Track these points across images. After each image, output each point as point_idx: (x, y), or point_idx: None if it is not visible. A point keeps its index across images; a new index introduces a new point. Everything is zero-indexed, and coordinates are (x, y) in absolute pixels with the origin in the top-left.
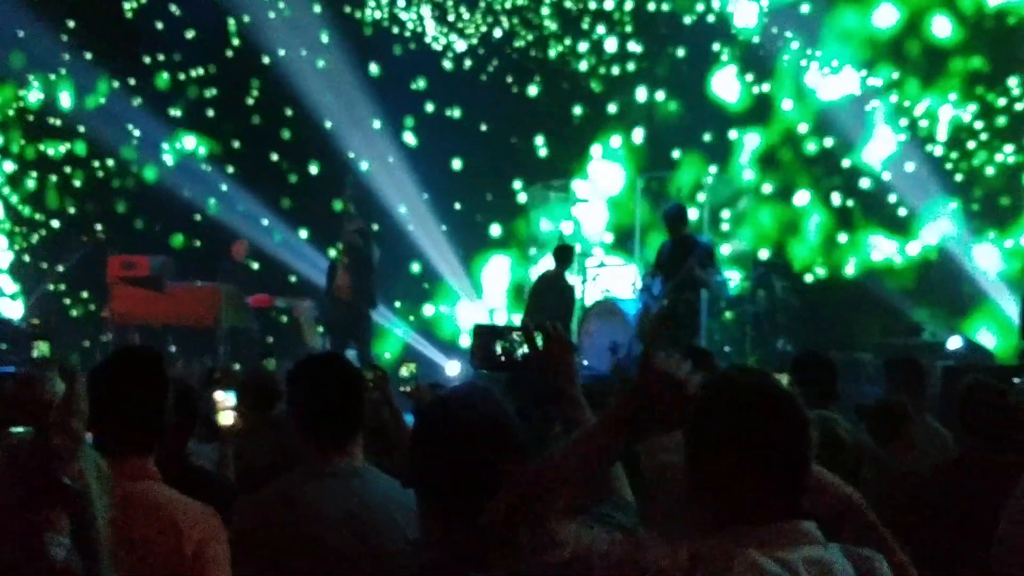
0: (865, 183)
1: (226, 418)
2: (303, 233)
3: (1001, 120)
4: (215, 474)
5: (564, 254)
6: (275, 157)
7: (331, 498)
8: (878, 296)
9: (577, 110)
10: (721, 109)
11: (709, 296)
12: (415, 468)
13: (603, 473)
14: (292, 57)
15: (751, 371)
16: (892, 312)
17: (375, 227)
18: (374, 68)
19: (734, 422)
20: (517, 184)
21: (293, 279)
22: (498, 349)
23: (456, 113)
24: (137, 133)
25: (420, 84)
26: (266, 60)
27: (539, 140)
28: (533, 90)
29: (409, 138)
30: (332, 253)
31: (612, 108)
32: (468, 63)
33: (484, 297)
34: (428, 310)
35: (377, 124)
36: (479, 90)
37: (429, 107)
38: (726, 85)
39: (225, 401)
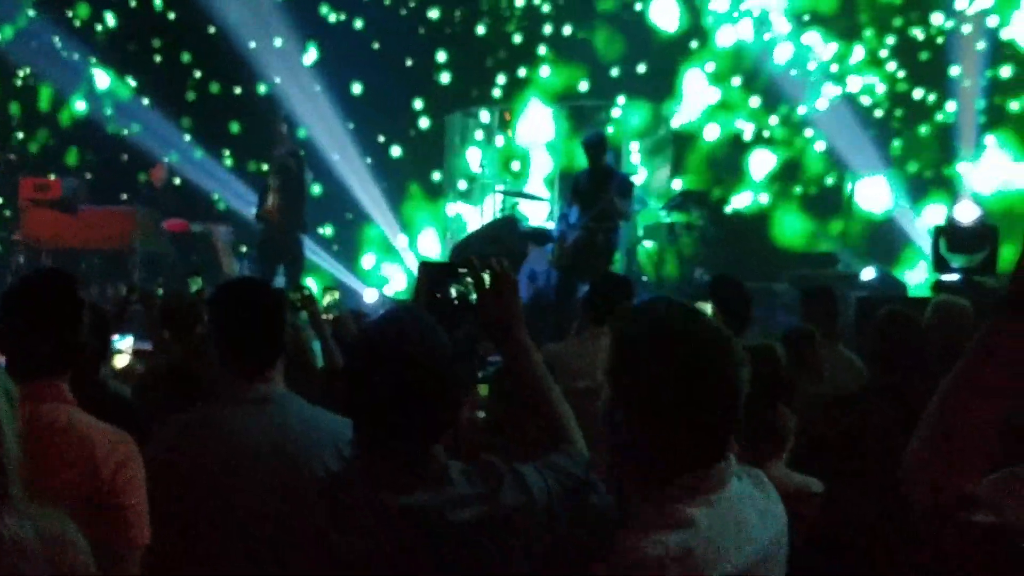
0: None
1: (121, 361)
2: (218, 156)
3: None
4: (131, 400)
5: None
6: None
7: (251, 423)
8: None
9: (480, 29)
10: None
11: (626, 226)
12: (353, 397)
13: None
14: None
15: (678, 307)
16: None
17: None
18: None
19: (668, 370)
20: (418, 105)
21: (220, 204)
22: (452, 292)
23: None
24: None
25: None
26: None
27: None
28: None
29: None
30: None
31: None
32: None
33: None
34: (368, 260)
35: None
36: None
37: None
38: (665, 12)
39: (121, 344)
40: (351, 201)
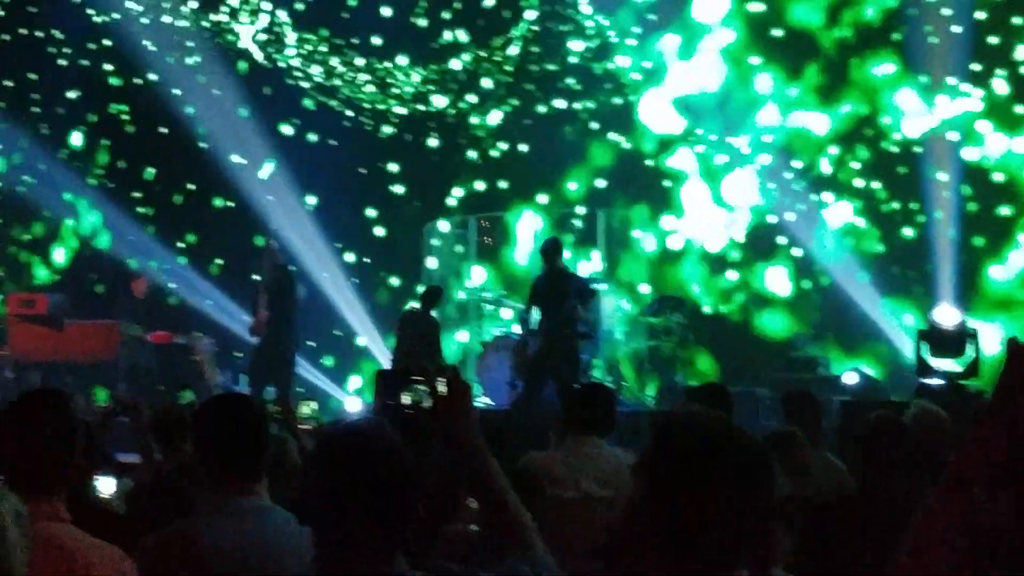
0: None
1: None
2: (196, 266)
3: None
4: (117, 512)
5: (432, 297)
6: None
7: (235, 536)
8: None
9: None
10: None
11: (604, 330)
12: (310, 500)
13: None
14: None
15: (703, 414)
16: (787, 346)
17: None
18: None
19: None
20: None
21: (199, 315)
22: (406, 399)
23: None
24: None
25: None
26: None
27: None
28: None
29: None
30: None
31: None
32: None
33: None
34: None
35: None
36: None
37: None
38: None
39: (105, 489)
40: (334, 313)
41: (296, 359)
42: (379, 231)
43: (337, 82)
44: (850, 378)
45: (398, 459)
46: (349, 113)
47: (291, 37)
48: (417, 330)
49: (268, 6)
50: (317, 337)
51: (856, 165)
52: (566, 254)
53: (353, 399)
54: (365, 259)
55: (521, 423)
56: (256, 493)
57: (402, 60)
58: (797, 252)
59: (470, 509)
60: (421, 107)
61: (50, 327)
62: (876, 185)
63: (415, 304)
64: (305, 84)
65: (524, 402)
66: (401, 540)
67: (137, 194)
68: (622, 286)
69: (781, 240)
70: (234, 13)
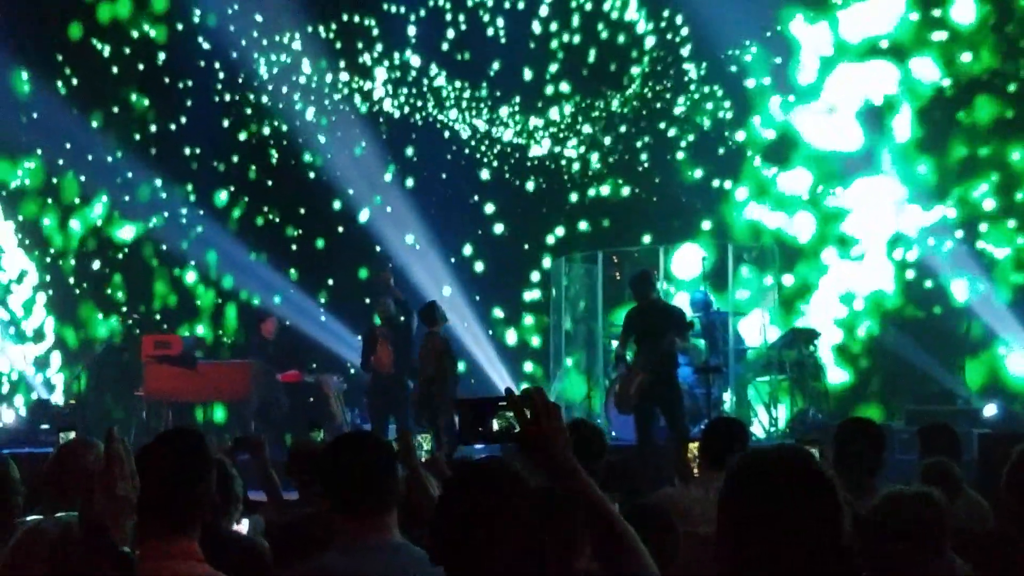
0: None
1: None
2: (323, 305)
3: None
4: (255, 550)
5: (427, 316)
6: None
7: (366, 572)
8: (905, 359)
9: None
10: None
11: (736, 364)
12: (440, 542)
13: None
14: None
15: (789, 449)
16: (923, 379)
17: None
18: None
19: (766, 504)
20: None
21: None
22: (496, 426)
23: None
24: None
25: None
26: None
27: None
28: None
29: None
30: (375, 323)
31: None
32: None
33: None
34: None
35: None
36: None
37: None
38: None
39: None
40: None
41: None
42: (478, 266)
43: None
44: (990, 411)
45: (526, 495)
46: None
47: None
48: (429, 352)
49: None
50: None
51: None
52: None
53: None
54: (475, 296)
55: (645, 459)
56: (387, 530)
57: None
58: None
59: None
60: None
61: (184, 367)
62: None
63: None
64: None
65: (639, 437)
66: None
67: (265, 239)
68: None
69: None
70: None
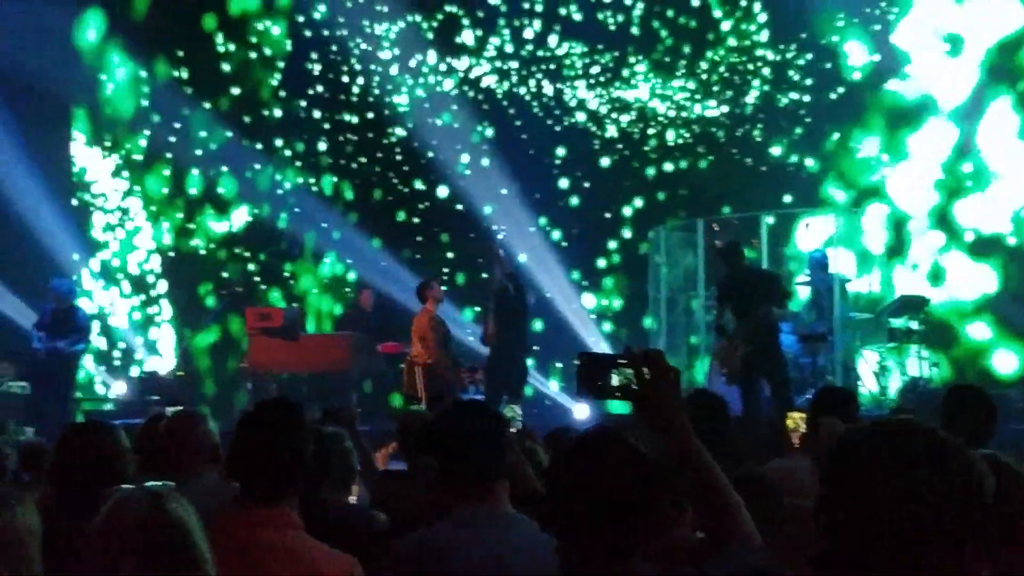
0: None
1: None
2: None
3: None
4: (358, 516)
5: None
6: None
7: (478, 545)
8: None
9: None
10: None
11: (842, 332)
12: (553, 510)
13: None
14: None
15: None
16: None
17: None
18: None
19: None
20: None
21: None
22: (615, 381)
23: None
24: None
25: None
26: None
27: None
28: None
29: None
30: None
31: None
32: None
33: None
34: None
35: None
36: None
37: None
38: None
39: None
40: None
41: (526, 365)
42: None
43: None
44: None
45: (641, 467)
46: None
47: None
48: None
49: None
50: (546, 345)
51: None
52: None
53: (582, 407)
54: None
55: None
56: (497, 500)
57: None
58: None
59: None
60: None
61: (286, 339)
62: None
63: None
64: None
65: (744, 408)
66: (640, 546)
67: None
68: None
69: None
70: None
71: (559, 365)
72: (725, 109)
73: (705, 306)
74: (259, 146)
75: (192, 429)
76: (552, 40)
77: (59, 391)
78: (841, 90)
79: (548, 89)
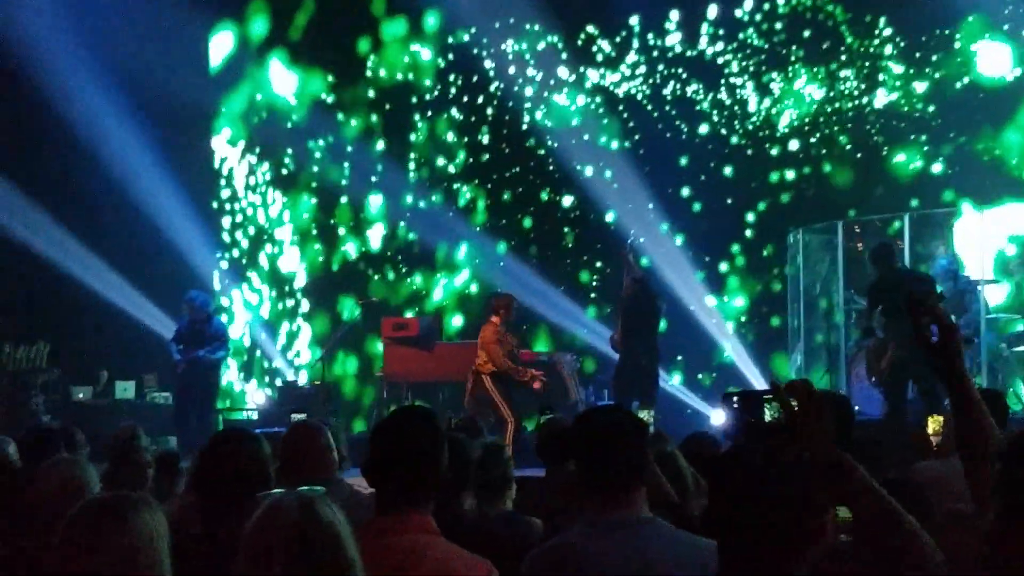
0: None
1: None
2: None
3: None
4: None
5: None
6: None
7: (614, 550)
8: None
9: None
10: None
11: (988, 335)
12: (715, 518)
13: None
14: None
15: None
16: None
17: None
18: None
19: None
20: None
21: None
22: (769, 416)
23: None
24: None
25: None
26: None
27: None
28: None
29: None
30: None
31: None
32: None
33: None
34: None
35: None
36: None
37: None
38: None
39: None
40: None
41: (659, 371)
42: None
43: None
44: None
45: (789, 475)
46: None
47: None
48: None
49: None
50: (678, 349)
51: None
52: None
53: (718, 412)
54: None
55: (890, 432)
56: (634, 505)
57: None
58: None
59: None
60: None
61: (422, 348)
62: None
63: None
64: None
65: (889, 411)
66: (795, 554)
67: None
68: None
69: None
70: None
71: (689, 366)
72: (850, 113)
73: (844, 309)
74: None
75: (313, 440)
76: (676, 45)
77: (200, 401)
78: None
79: (673, 91)
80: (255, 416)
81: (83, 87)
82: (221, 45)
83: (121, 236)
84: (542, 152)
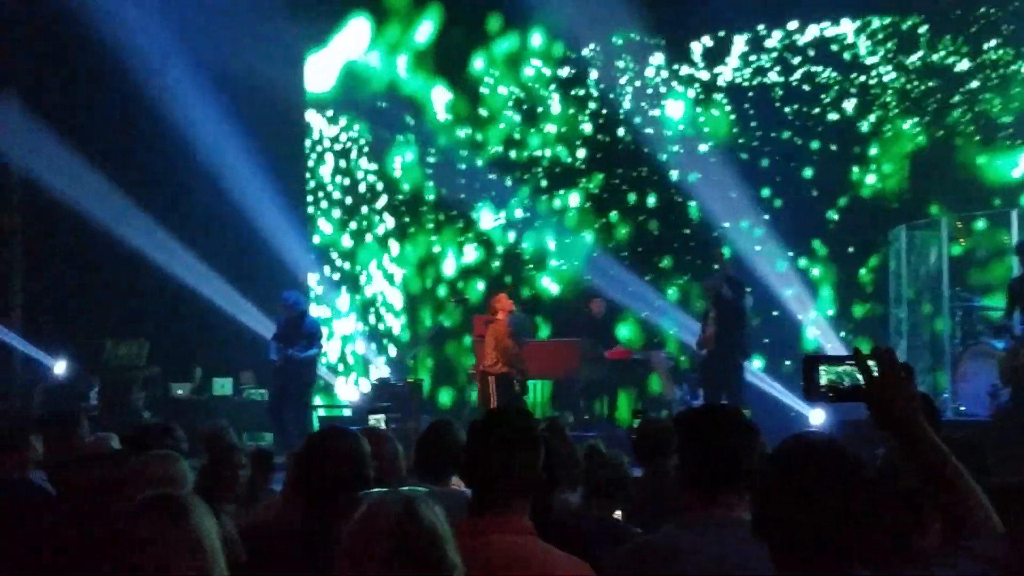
0: None
1: None
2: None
3: None
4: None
5: None
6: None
7: (706, 550)
8: None
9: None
10: None
11: None
12: (768, 514)
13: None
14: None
15: None
16: None
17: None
18: None
19: None
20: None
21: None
22: (825, 379)
23: None
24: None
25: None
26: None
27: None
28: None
29: None
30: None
31: None
32: None
33: None
34: None
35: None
36: None
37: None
38: None
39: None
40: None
41: (746, 368)
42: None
43: None
44: None
45: (855, 472)
46: None
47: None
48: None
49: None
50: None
51: None
52: None
53: (817, 412)
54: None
55: (1005, 434)
56: (735, 507)
57: None
58: None
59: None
60: None
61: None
62: None
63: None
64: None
65: (1011, 411)
66: (860, 552)
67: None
68: None
69: None
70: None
71: (772, 354)
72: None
73: (950, 307)
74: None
75: (379, 445)
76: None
77: (295, 397)
78: None
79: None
80: (348, 412)
81: (182, 88)
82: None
83: (219, 235)
84: (633, 148)
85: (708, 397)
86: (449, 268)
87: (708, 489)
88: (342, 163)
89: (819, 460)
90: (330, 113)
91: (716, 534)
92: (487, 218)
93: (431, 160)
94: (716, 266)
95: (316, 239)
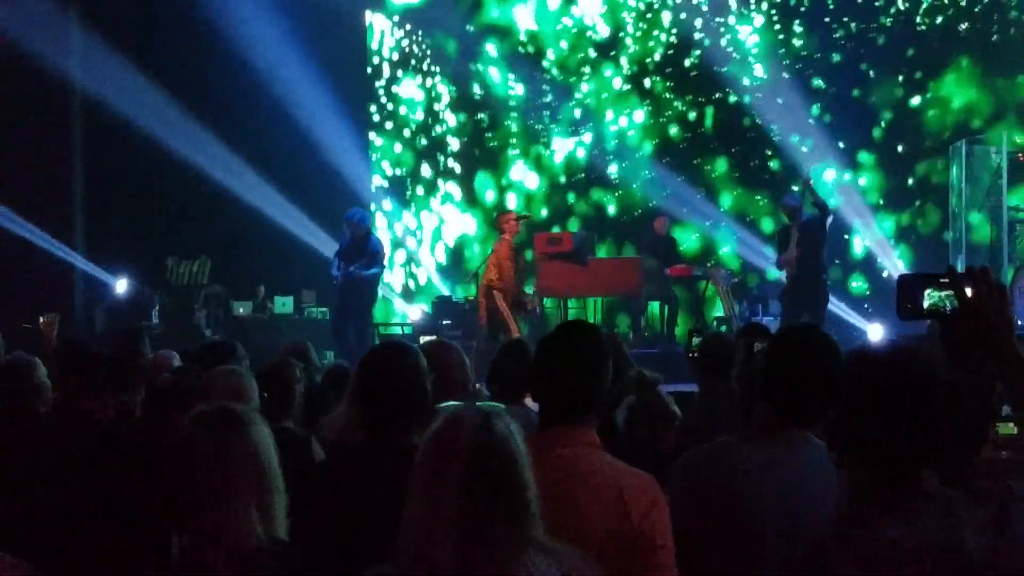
0: None
1: None
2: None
3: None
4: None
5: None
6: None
7: (769, 460)
8: None
9: None
10: None
11: None
12: (843, 429)
13: None
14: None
15: None
16: None
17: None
18: None
19: None
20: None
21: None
22: (925, 300)
23: None
24: None
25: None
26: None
27: None
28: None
29: None
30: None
31: None
32: None
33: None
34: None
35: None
36: None
37: None
38: None
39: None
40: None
41: (826, 289)
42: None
43: None
44: None
45: (927, 381)
46: None
47: None
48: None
49: None
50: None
51: None
52: None
53: (875, 327)
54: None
55: None
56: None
57: None
58: None
59: (999, 434)
60: None
61: (575, 263)
62: None
63: None
64: None
65: None
66: (927, 460)
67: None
68: None
69: None
70: None
71: (855, 284)
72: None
73: (1008, 220)
74: None
75: (444, 357)
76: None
77: (357, 315)
78: None
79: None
80: (410, 331)
81: (247, 10)
82: None
83: (282, 154)
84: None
85: (790, 318)
86: (518, 187)
87: (790, 411)
88: (419, 80)
89: (893, 363)
90: (407, 27)
91: (776, 447)
92: (557, 141)
93: (509, 85)
94: (795, 187)
95: (385, 165)
